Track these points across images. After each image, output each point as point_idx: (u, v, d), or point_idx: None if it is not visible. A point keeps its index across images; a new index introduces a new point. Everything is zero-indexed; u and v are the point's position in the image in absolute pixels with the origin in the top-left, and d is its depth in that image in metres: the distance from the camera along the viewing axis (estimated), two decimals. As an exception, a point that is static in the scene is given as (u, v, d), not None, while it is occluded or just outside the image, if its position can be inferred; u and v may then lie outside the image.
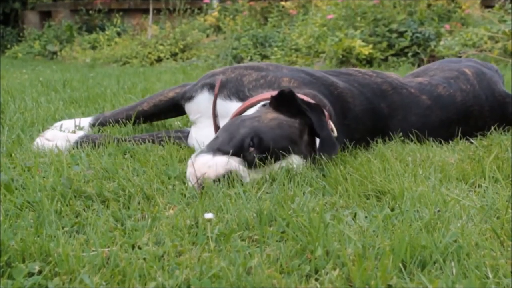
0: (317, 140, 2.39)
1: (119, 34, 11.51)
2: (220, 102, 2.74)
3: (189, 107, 2.95)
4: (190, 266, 1.47)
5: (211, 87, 2.82)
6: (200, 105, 2.86)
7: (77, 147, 2.73)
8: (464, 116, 3.06)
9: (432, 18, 8.47)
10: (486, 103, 3.14)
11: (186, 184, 2.16)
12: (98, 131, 3.10)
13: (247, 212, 1.82)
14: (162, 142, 2.83)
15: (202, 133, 2.76)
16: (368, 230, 1.70)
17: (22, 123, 3.27)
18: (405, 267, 1.47)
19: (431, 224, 1.73)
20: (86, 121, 3.19)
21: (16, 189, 2.06)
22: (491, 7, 9.48)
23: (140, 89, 5.06)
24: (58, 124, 3.11)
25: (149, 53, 9.75)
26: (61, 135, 2.80)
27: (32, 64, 9.47)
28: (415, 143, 2.81)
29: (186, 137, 2.92)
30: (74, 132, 2.97)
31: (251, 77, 2.78)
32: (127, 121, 3.15)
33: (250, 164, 2.22)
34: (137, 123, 3.17)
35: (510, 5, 8.68)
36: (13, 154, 2.55)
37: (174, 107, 3.10)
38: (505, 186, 2.15)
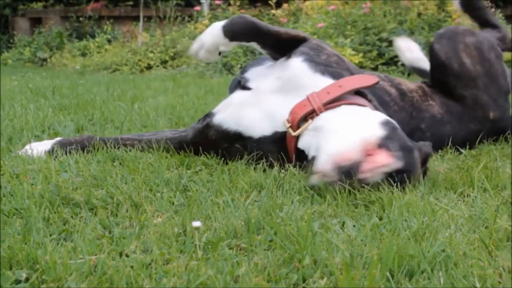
0: None
1: (109, 41, 11.49)
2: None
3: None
4: (177, 274, 1.47)
5: None
6: None
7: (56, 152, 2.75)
8: None
9: (422, 27, 8.48)
10: None
11: (174, 192, 2.16)
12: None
13: (235, 220, 1.82)
14: (150, 148, 2.80)
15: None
16: (356, 239, 1.70)
17: (11, 130, 3.26)
18: (392, 276, 1.47)
19: (419, 234, 1.73)
20: None
21: (4, 196, 2.05)
22: (481, 17, 9.50)
23: (129, 97, 5.06)
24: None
25: (139, 60, 9.73)
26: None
27: (22, 70, 9.44)
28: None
29: (178, 142, 2.85)
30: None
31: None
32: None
33: None
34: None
35: (500, 15, 8.72)
36: (1, 161, 2.55)
37: None
38: (493, 196, 2.16)
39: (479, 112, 3.01)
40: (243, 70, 2.87)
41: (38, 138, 3.09)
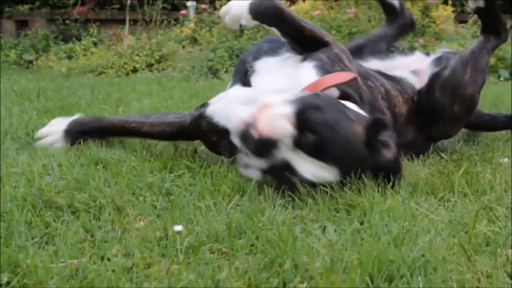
0: None
1: (95, 44, 11.45)
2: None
3: None
4: (158, 278, 1.47)
5: None
6: None
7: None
8: None
9: (406, 32, 8.51)
10: None
11: (157, 196, 2.17)
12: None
13: (217, 224, 1.83)
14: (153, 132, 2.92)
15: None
16: (336, 243, 1.71)
17: (-6, 132, 3.25)
18: (372, 281, 1.48)
19: (399, 238, 1.75)
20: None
21: (-14, 199, 2.05)
22: (465, 22, 9.57)
23: (114, 100, 5.05)
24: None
25: (125, 63, 9.70)
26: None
27: (8, 73, 9.39)
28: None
29: (178, 126, 2.88)
30: None
31: None
32: None
33: None
34: None
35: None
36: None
37: None
38: (473, 201, 2.17)
39: (440, 140, 3.14)
40: (255, 55, 2.77)
41: (22, 141, 3.09)
